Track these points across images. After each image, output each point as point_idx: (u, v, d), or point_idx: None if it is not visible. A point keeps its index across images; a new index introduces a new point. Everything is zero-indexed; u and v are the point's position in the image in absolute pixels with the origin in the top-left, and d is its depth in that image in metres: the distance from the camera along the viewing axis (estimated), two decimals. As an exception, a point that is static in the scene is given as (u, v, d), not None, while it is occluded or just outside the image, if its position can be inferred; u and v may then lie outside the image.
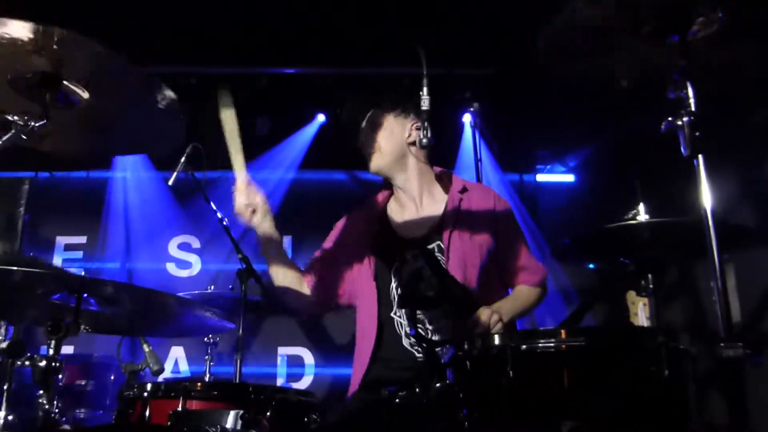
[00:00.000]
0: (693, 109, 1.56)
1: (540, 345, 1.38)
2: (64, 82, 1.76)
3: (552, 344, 1.38)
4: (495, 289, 2.47)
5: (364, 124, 2.58)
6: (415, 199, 2.58)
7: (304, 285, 2.55)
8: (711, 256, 1.45)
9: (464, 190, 2.59)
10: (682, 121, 1.57)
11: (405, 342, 2.36)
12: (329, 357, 5.32)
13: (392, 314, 2.42)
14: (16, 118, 1.78)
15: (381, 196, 2.72)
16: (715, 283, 1.44)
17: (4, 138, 1.76)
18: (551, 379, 1.38)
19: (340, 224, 2.73)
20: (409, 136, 2.54)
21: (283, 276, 2.51)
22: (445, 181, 2.65)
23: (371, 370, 2.38)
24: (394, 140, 2.54)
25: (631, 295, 3.40)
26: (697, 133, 1.54)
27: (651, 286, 1.82)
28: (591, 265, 2.27)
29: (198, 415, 1.62)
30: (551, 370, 1.38)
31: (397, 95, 2.62)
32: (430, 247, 2.45)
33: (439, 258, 2.42)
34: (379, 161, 2.54)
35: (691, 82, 1.58)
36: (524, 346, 1.38)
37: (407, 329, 2.36)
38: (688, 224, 1.66)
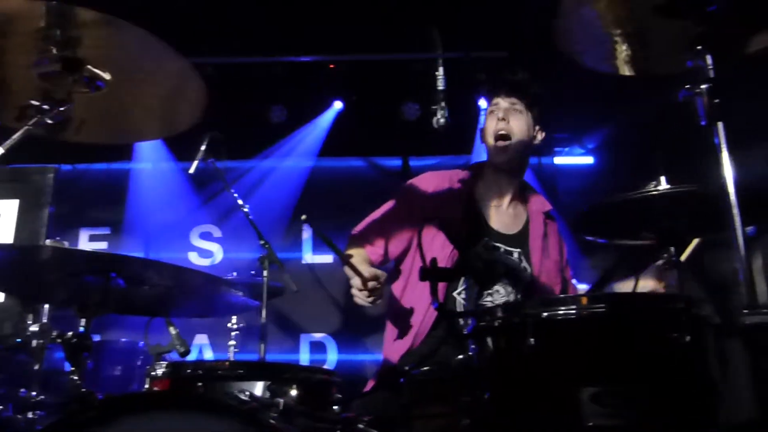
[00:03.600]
0: (711, 76, 1.55)
1: (561, 312, 1.39)
2: (87, 66, 1.80)
3: (573, 311, 1.39)
4: None
5: (500, 113, 2.52)
6: (505, 197, 2.58)
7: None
8: (732, 225, 1.45)
9: (546, 213, 2.64)
10: (700, 89, 1.56)
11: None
12: (352, 344, 5.36)
13: (455, 293, 2.42)
14: (39, 103, 1.81)
15: (465, 174, 2.63)
16: (737, 253, 1.43)
17: (30, 123, 1.80)
18: (572, 347, 1.39)
19: (420, 185, 2.61)
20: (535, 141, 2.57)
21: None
22: (534, 196, 2.68)
23: (421, 347, 2.37)
24: (525, 143, 2.54)
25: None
26: (716, 101, 1.53)
27: (673, 258, 1.81)
28: (603, 240, 2.25)
29: (227, 387, 1.66)
30: (573, 338, 1.39)
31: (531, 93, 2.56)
32: (515, 251, 2.50)
33: (523, 266, 2.48)
34: (509, 155, 2.51)
35: (709, 49, 1.57)
36: (545, 314, 1.39)
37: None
38: (709, 194, 1.65)
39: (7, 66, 1.80)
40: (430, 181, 2.60)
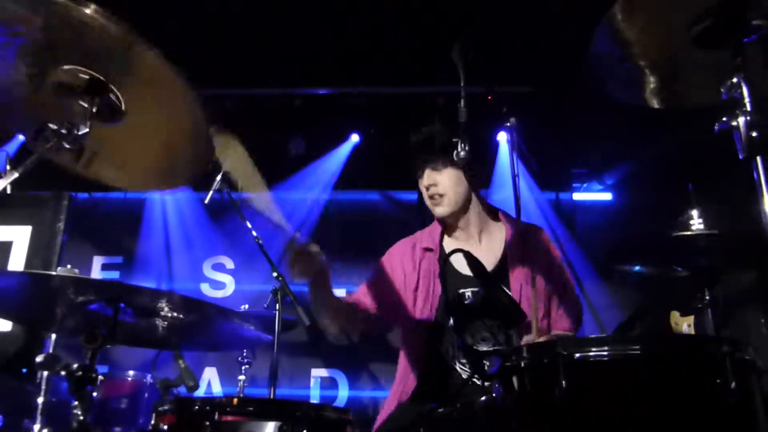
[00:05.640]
0: (749, 108, 1.48)
1: (596, 353, 1.31)
2: (111, 88, 1.76)
3: (608, 353, 1.30)
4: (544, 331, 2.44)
5: (425, 179, 2.54)
6: (474, 237, 2.59)
7: (355, 313, 2.52)
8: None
9: (522, 231, 2.59)
10: (738, 122, 1.49)
11: (455, 375, 2.34)
12: (363, 380, 5.25)
13: (444, 346, 2.39)
14: (57, 126, 1.78)
15: (432, 230, 2.69)
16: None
17: (46, 146, 1.76)
18: (609, 390, 1.30)
19: (393, 254, 2.69)
20: (470, 183, 2.54)
21: (333, 317, 2.46)
22: (501, 220, 2.66)
23: (415, 396, 2.36)
24: (460, 190, 2.54)
25: (675, 315, 3.27)
26: (755, 134, 1.46)
27: (708, 298, 1.72)
28: (637, 267, 2.16)
29: (235, 426, 1.57)
30: (608, 380, 1.30)
31: (446, 150, 2.51)
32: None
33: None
34: (446, 209, 2.53)
35: (746, 81, 1.51)
36: (578, 355, 1.30)
37: (459, 366, 2.34)
38: (748, 231, 1.57)
39: (30, 84, 1.77)
40: (396, 252, 2.66)
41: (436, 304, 2.41)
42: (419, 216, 5.87)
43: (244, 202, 4.05)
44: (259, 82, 5.28)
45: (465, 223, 2.59)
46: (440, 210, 2.54)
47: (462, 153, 2.37)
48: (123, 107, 1.81)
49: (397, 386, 2.45)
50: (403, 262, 2.61)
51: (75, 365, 1.68)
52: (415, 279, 2.54)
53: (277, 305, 3.54)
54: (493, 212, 2.68)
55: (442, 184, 2.51)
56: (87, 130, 1.78)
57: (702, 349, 1.32)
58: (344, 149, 5.62)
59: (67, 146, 1.78)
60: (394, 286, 2.58)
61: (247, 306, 4.16)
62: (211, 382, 5.17)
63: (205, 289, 5.53)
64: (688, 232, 1.68)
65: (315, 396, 5.22)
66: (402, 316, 2.52)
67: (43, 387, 2.40)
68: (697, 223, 1.80)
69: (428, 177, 2.51)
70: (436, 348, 2.40)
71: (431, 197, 2.54)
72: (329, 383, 5.28)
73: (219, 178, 3.82)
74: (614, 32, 1.70)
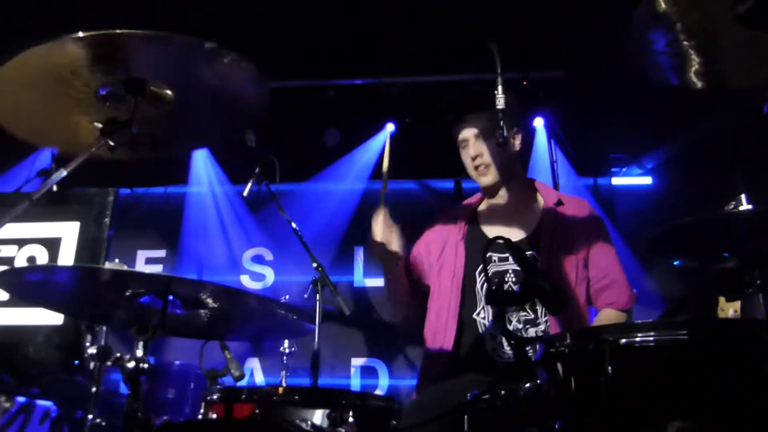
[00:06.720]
0: (800, 87, 1.45)
1: (642, 339, 1.29)
2: (150, 87, 1.81)
3: (655, 338, 1.29)
4: (581, 307, 2.42)
5: (471, 149, 2.57)
6: (511, 207, 2.60)
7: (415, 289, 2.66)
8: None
9: (559, 203, 2.59)
10: (789, 102, 1.46)
11: (487, 346, 2.34)
12: (403, 368, 5.28)
13: (474, 315, 2.39)
14: (103, 126, 1.83)
15: (472, 200, 2.76)
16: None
17: (94, 146, 1.81)
18: (655, 376, 1.29)
19: (429, 231, 2.79)
20: (514, 146, 2.58)
21: (400, 293, 2.61)
22: (540, 192, 2.66)
23: (447, 373, 2.37)
24: (505, 159, 2.56)
25: (721, 301, 3.21)
26: (807, 113, 1.43)
27: (758, 281, 1.69)
28: (676, 262, 2.13)
29: (284, 413, 1.61)
30: (655, 366, 1.29)
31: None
32: (528, 253, 2.45)
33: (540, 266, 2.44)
34: (491, 178, 2.56)
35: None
36: (624, 341, 1.30)
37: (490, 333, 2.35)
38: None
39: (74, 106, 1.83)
40: (436, 224, 2.77)
41: (462, 263, 2.49)
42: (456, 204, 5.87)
43: (282, 195, 4.11)
44: (293, 73, 5.31)
45: (505, 194, 2.59)
46: (485, 180, 2.56)
47: (500, 139, 2.37)
48: (167, 94, 1.86)
49: (425, 371, 2.47)
50: (444, 232, 2.67)
51: (128, 356, 1.74)
52: (447, 250, 2.62)
53: (317, 296, 3.58)
54: (532, 185, 2.69)
55: (487, 154, 2.51)
56: (134, 128, 1.84)
57: (750, 333, 1.30)
58: (380, 139, 5.63)
59: (114, 145, 1.84)
60: (431, 256, 2.67)
61: (288, 297, 4.22)
62: (253, 372, 5.27)
63: (245, 281, 5.62)
64: (735, 210, 1.64)
65: (355, 385, 5.28)
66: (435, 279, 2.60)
67: (96, 378, 2.47)
68: (746, 208, 1.76)
69: (474, 147, 2.53)
70: (465, 329, 2.43)
71: (476, 167, 2.55)
72: (369, 372, 5.33)
73: (257, 170, 3.87)
74: (656, 13, 1.67)
